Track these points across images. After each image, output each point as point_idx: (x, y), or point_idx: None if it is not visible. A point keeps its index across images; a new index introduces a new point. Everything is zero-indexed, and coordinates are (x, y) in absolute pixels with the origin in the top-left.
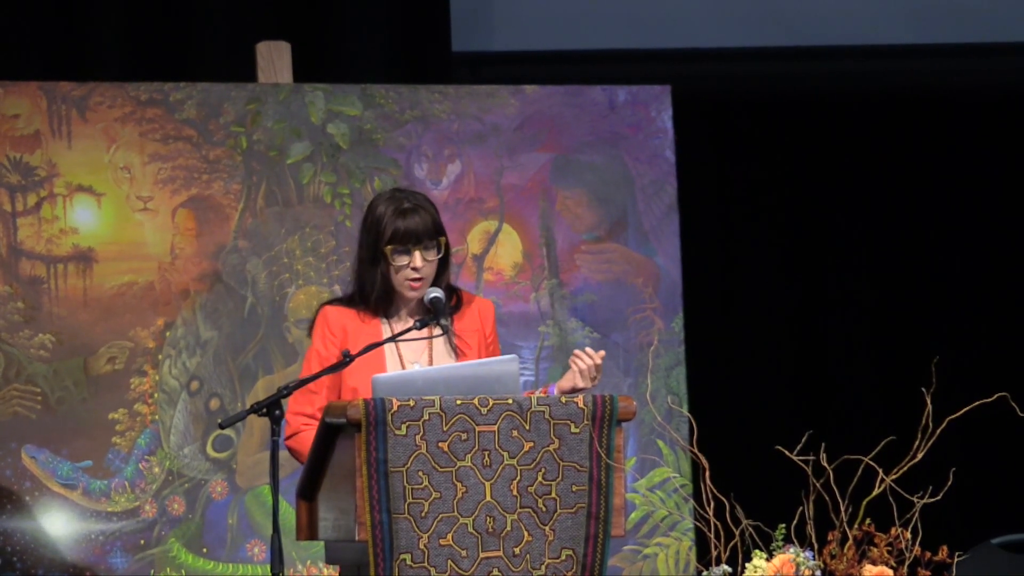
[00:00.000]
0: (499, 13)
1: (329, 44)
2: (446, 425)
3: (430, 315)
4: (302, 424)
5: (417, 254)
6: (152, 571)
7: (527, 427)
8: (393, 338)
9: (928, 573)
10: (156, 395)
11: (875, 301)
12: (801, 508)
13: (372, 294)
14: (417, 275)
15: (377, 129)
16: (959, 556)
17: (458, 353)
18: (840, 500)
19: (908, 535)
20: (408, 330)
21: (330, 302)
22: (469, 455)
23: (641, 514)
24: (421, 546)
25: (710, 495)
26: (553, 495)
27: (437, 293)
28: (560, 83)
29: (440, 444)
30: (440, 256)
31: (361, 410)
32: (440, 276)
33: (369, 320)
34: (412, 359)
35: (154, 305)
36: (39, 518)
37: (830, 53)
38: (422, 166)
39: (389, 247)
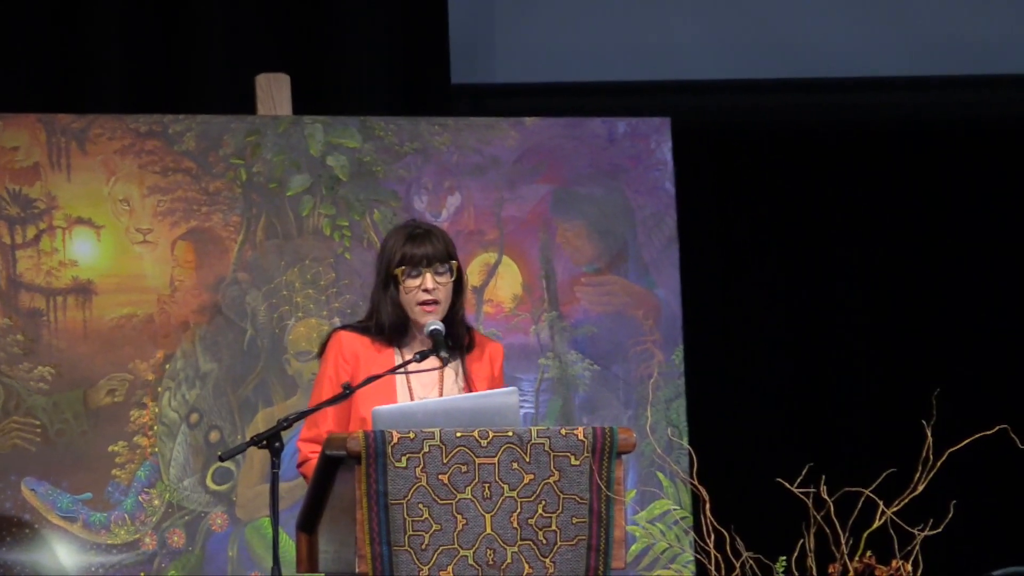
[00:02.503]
0: (499, 45)
1: (328, 76)
2: (446, 457)
3: (431, 348)
4: (310, 452)
5: (428, 276)
6: None
7: (527, 459)
8: (392, 371)
9: None
10: (156, 427)
11: (875, 333)
12: (802, 540)
13: (386, 322)
14: (430, 296)
15: (377, 161)
16: None
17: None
18: (841, 532)
19: (909, 567)
20: (407, 363)
21: (344, 327)
22: (469, 487)
23: (641, 546)
24: None
25: (710, 527)
26: (553, 527)
27: (436, 326)
28: (560, 115)
29: (440, 476)
30: (453, 280)
31: (361, 442)
32: (456, 303)
33: (383, 350)
34: (422, 394)
35: (153, 337)
36: (39, 551)
37: (830, 85)
38: (422, 198)
39: (399, 269)
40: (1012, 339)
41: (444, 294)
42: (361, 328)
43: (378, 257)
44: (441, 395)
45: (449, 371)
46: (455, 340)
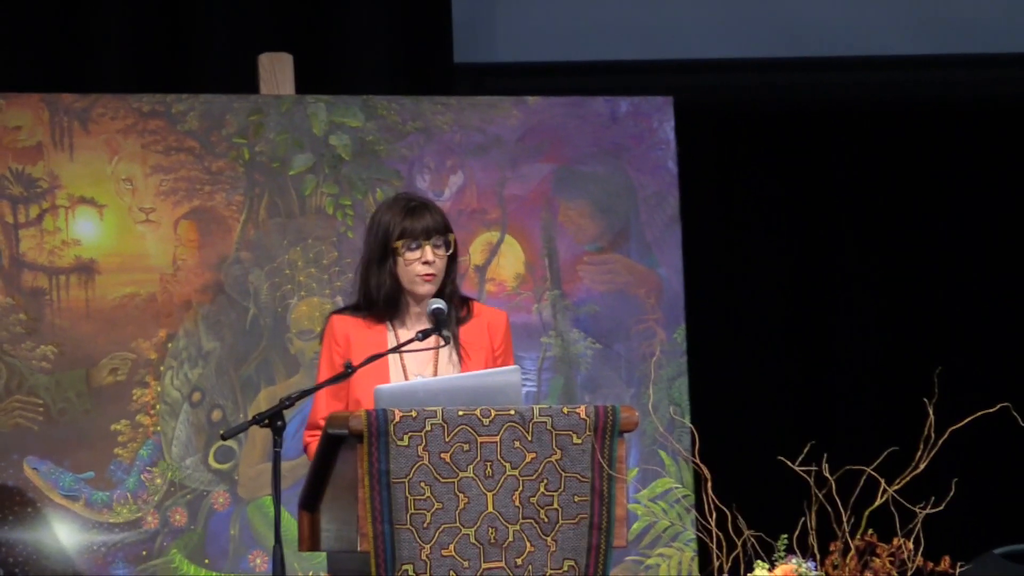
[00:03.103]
0: (501, 24)
1: (331, 55)
2: (448, 436)
3: (432, 326)
4: (309, 436)
5: (428, 248)
6: None
7: (529, 438)
8: (395, 349)
9: None
10: (158, 406)
11: (878, 311)
12: (803, 518)
13: (379, 297)
14: (429, 269)
15: (379, 140)
16: (961, 567)
17: (462, 365)
18: (842, 510)
19: (910, 545)
20: (409, 342)
21: (337, 311)
22: (471, 466)
23: (643, 525)
24: (423, 557)
25: (712, 505)
26: (555, 506)
27: (439, 305)
28: (562, 94)
29: (442, 455)
30: (449, 253)
31: (363, 421)
32: (449, 275)
33: (374, 326)
34: (416, 371)
35: (156, 316)
36: (41, 529)
37: (833, 64)
38: (424, 177)
39: (400, 242)
40: (1014, 317)
41: (442, 266)
42: (352, 309)
43: (370, 230)
44: (436, 371)
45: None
46: (449, 315)
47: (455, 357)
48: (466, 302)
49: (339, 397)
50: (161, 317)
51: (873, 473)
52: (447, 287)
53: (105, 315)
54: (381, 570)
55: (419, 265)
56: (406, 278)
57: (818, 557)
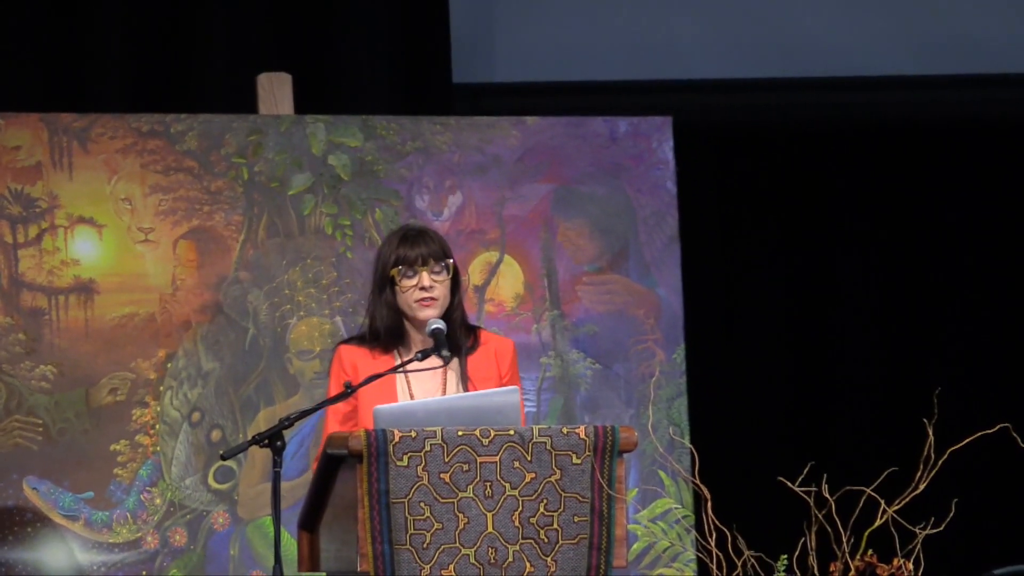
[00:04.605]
0: (500, 44)
1: (330, 75)
2: (448, 456)
3: (432, 346)
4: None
5: (424, 274)
6: None
7: (529, 458)
8: (393, 370)
9: None
10: (157, 426)
11: (877, 332)
12: (803, 539)
13: (382, 326)
14: (427, 294)
15: (378, 160)
16: None
17: None
18: (842, 531)
19: (910, 566)
20: (408, 361)
21: (345, 341)
22: (471, 486)
23: (643, 545)
24: None
25: (712, 526)
26: (555, 526)
27: (438, 325)
28: (561, 114)
29: (442, 475)
30: (450, 277)
31: (362, 441)
32: (453, 301)
33: (380, 357)
34: (424, 398)
35: (155, 336)
36: (41, 549)
37: (832, 84)
38: (423, 197)
39: (395, 269)
40: (1013, 337)
41: (441, 292)
42: (359, 339)
43: (374, 264)
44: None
45: (452, 374)
46: (454, 342)
47: (462, 388)
48: (472, 331)
49: (348, 427)
50: (160, 337)
51: (873, 494)
52: (452, 313)
53: (104, 335)
54: None
55: (416, 291)
56: (405, 305)
57: None
